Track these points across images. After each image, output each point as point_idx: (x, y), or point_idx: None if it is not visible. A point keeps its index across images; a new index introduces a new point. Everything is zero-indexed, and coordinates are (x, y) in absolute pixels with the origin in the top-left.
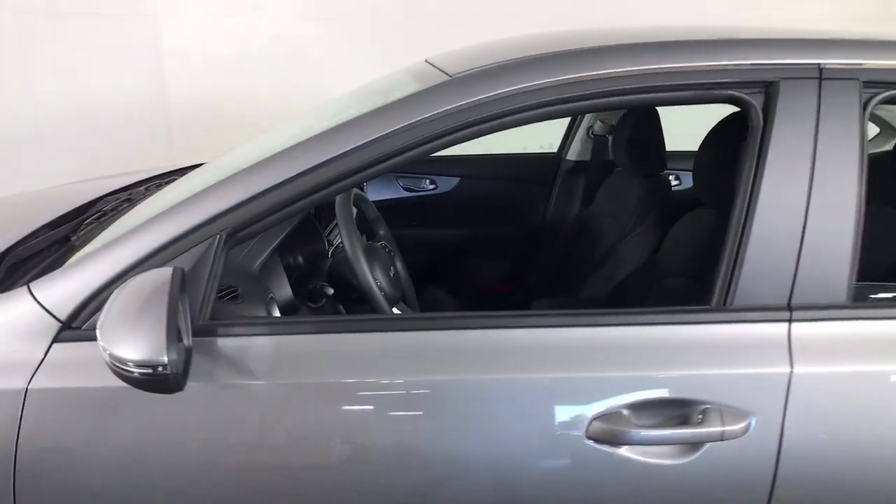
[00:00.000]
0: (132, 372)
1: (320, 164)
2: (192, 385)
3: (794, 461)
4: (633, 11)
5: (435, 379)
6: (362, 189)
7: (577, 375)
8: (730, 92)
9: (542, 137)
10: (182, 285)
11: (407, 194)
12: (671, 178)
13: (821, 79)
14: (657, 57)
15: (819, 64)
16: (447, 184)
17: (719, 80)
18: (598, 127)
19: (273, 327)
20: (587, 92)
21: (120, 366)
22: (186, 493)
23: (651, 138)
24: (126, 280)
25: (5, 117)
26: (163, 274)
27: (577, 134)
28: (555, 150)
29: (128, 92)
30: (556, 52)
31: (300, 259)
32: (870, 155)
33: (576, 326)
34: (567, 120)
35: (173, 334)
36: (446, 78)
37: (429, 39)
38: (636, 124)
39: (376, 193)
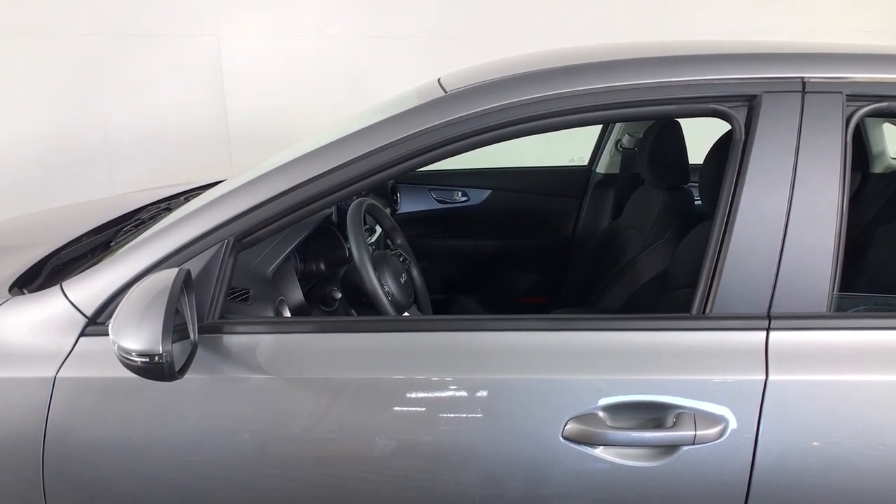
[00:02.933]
0: (135, 361)
1: (316, 176)
2: (199, 377)
3: (769, 467)
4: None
5: (420, 378)
6: (395, 200)
7: (554, 377)
8: (713, 106)
9: (575, 151)
10: (187, 285)
11: (439, 206)
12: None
13: (804, 92)
14: (641, 72)
15: (802, 77)
16: (479, 196)
17: (702, 95)
18: (626, 140)
19: (275, 326)
20: (570, 107)
21: (125, 356)
22: (197, 477)
23: (673, 151)
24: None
25: (80, 133)
26: (168, 275)
27: (607, 147)
28: (585, 162)
29: (190, 109)
30: (540, 70)
31: (322, 265)
32: None
33: (555, 331)
34: (597, 132)
35: (170, 328)
36: (442, 94)
37: (482, 57)
38: (658, 137)
39: (410, 205)
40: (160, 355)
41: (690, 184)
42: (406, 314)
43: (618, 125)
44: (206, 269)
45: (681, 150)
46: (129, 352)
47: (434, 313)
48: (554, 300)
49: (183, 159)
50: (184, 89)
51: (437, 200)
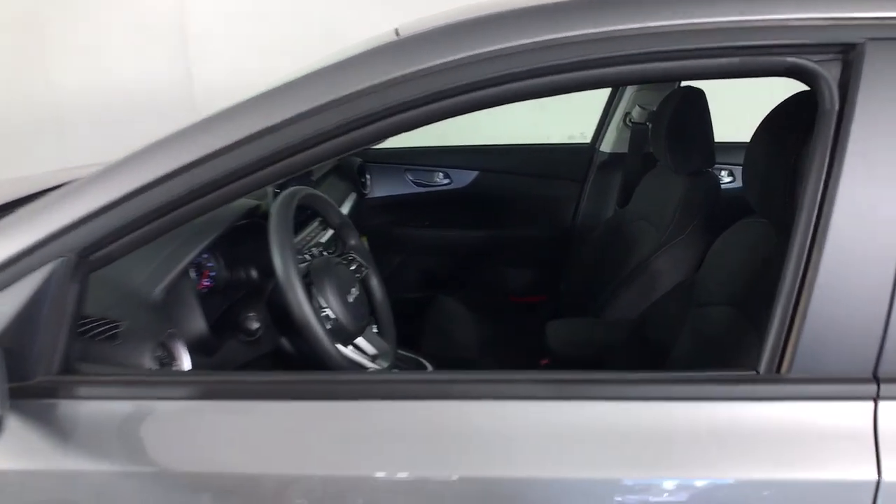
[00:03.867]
0: None
1: (192, 162)
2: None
3: None
4: None
5: (349, 476)
6: (364, 183)
7: (551, 477)
8: (790, 59)
9: (573, 125)
10: None
11: (417, 189)
12: (724, 174)
13: None
14: (678, 10)
15: None
16: (463, 178)
17: (773, 42)
18: (636, 113)
19: (141, 388)
20: (577, 59)
21: None
22: None
23: (696, 127)
24: None
25: (26, 100)
26: None
27: (613, 121)
28: (587, 139)
29: (150, 74)
30: (531, 7)
31: (253, 273)
32: None
33: (554, 399)
34: (602, 103)
35: None
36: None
37: None
38: (677, 109)
39: (382, 189)
40: None
41: (716, 166)
42: (360, 339)
43: (627, 94)
44: (33, 302)
45: (705, 126)
46: None
47: (410, 316)
48: (551, 301)
49: (142, 129)
50: (142, 52)
51: (415, 183)
